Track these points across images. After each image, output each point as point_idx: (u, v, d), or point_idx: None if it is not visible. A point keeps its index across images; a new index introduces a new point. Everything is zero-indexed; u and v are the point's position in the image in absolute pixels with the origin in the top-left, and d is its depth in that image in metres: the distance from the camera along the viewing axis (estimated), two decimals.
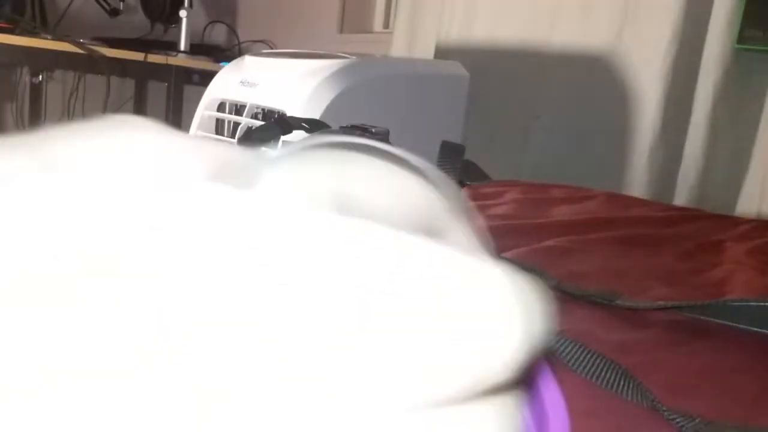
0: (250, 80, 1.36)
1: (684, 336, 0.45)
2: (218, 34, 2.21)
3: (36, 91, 1.85)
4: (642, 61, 1.33)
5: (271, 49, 1.83)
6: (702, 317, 0.47)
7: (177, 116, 2.02)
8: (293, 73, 1.34)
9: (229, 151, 0.16)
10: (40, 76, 1.83)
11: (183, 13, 1.92)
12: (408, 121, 1.22)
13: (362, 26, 2.08)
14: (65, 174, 0.12)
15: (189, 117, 1.46)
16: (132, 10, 2.01)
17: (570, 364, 0.38)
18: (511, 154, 1.51)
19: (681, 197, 1.27)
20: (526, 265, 0.53)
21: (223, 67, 1.43)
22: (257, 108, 1.31)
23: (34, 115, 1.88)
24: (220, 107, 1.35)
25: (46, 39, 1.70)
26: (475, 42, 1.57)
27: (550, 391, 0.19)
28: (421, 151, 0.26)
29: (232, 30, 2.18)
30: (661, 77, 1.29)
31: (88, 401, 0.11)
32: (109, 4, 1.98)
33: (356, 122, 0.63)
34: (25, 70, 1.89)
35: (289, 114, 1.21)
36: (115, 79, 1.79)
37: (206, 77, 1.38)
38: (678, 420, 0.33)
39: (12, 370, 0.11)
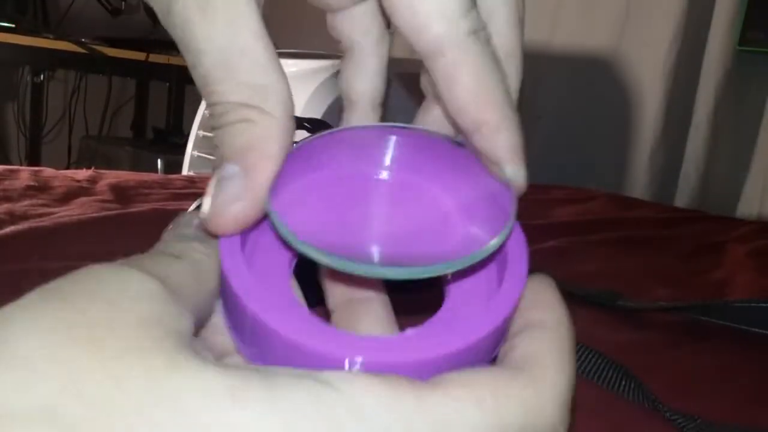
0: None
1: (685, 336, 0.45)
2: None
3: (37, 91, 1.85)
4: (643, 62, 1.33)
5: None
6: (702, 318, 0.47)
7: (178, 116, 2.02)
8: (295, 73, 1.34)
9: None
10: (42, 76, 1.83)
11: None
12: (410, 121, 1.22)
13: None
14: None
15: (190, 117, 1.46)
16: (134, 10, 2.01)
17: None
18: None
19: (682, 198, 1.27)
20: None
21: None
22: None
23: (35, 114, 1.88)
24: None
25: (48, 38, 1.70)
26: None
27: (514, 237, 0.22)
28: None
29: None
30: (662, 78, 1.29)
31: None
32: (110, 4, 1.98)
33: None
34: (27, 69, 1.89)
35: None
36: (116, 79, 1.79)
37: None
38: (679, 420, 0.33)
39: None
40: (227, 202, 0.19)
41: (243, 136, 0.20)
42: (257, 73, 0.20)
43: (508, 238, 0.21)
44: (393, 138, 0.25)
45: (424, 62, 0.22)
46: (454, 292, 0.23)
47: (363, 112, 0.27)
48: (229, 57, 0.20)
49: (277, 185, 0.20)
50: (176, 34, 0.20)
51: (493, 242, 0.20)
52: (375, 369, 0.17)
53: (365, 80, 0.27)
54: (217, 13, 0.20)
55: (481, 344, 0.19)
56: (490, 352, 0.20)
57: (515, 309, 0.20)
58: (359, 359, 0.17)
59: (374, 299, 0.24)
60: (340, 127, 0.24)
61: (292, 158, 0.21)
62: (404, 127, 0.24)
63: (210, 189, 0.20)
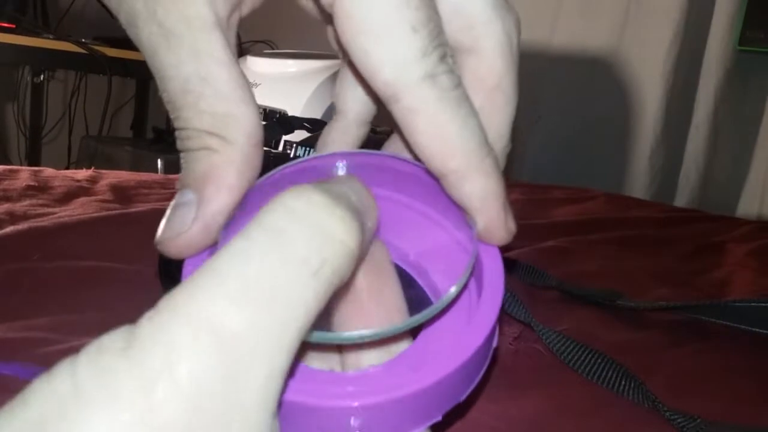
0: (251, 80, 1.36)
1: (685, 336, 0.45)
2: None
3: (37, 91, 1.85)
4: (643, 62, 1.33)
5: (273, 49, 1.83)
6: (702, 318, 0.47)
7: None
8: (295, 73, 1.34)
9: None
10: (42, 76, 1.83)
11: None
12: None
13: None
14: None
15: None
16: None
17: (570, 363, 0.38)
18: (511, 155, 1.51)
19: (682, 198, 1.27)
20: (527, 265, 0.53)
21: None
22: (258, 108, 1.31)
23: (35, 114, 1.88)
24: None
25: (48, 38, 1.70)
26: None
27: (491, 258, 0.22)
28: None
29: None
30: (662, 78, 1.29)
31: None
32: None
33: None
34: (27, 69, 1.89)
35: (290, 114, 1.21)
36: (116, 79, 1.79)
37: None
38: (679, 420, 0.33)
39: None
40: (178, 228, 0.19)
41: (202, 164, 0.20)
42: (219, 102, 0.20)
43: (466, 286, 0.21)
44: (354, 166, 0.24)
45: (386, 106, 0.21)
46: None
47: (346, 126, 0.26)
48: (191, 84, 0.19)
49: (239, 218, 0.20)
50: (146, 58, 0.20)
51: (451, 292, 0.20)
52: (371, 410, 0.18)
53: (355, 96, 0.26)
54: (182, 41, 0.19)
55: (460, 370, 0.19)
56: (478, 370, 0.20)
57: (495, 328, 0.20)
58: (355, 404, 0.18)
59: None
60: (305, 157, 0.23)
61: (259, 189, 0.21)
62: (372, 155, 0.24)
63: (167, 212, 0.20)
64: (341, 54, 0.26)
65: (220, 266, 0.15)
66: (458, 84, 0.20)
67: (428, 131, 0.20)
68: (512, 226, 0.22)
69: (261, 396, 0.14)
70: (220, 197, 0.19)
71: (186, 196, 0.20)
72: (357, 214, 0.17)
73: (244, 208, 0.21)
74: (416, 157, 0.22)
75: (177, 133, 0.20)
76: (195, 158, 0.20)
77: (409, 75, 0.20)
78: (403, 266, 0.24)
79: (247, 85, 0.20)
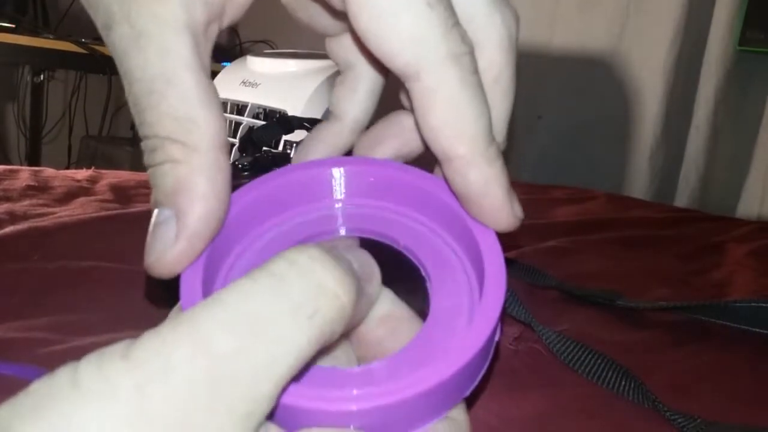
0: (251, 80, 1.36)
1: (685, 336, 0.45)
2: (219, 34, 2.20)
3: (37, 91, 1.85)
4: (643, 62, 1.33)
5: (273, 49, 1.83)
6: (702, 318, 0.47)
7: None
8: (295, 73, 1.34)
9: None
10: (42, 76, 1.83)
11: None
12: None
13: None
14: None
15: None
16: None
17: (570, 363, 0.38)
18: (512, 155, 1.51)
19: (682, 198, 1.27)
20: (527, 265, 0.53)
21: (224, 67, 1.43)
22: (259, 108, 1.31)
23: (35, 114, 1.87)
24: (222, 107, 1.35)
25: (48, 38, 1.70)
26: None
27: (492, 253, 0.21)
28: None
29: (234, 30, 2.18)
30: (662, 78, 1.29)
31: None
32: None
33: None
34: (27, 69, 1.89)
35: (290, 114, 1.21)
36: (116, 79, 1.79)
37: None
38: (679, 420, 0.33)
39: None
40: (164, 247, 0.19)
41: (169, 179, 0.19)
42: (182, 104, 0.19)
43: (467, 282, 0.22)
44: (344, 171, 0.24)
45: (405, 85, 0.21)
46: (436, 308, 0.22)
47: (340, 129, 0.27)
48: (156, 85, 0.19)
49: (239, 231, 0.21)
50: (116, 62, 0.20)
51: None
52: (369, 413, 0.18)
53: (353, 103, 0.26)
54: (151, 40, 0.19)
55: (463, 369, 0.19)
56: (481, 367, 0.20)
57: (497, 324, 0.20)
58: (354, 407, 0.18)
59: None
60: (302, 163, 0.23)
61: (253, 202, 0.22)
62: (368, 163, 0.24)
63: (148, 234, 0.20)
64: (340, 63, 0.27)
65: (223, 298, 0.16)
66: (477, 68, 0.20)
67: (444, 113, 0.20)
68: (519, 211, 0.22)
69: (244, 413, 0.15)
70: (195, 208, 0.19)
71: (163, 214, 0.20)
72: (355, 277, 0.18)
73: (253, 216, 0.21)
74: (423, 142, 0.21)
75: (142, 144, 0.20)
76: (161, 173, 0.19)
77: (432, 53, 0.19)
78: (396, 247, 0.24)
79: (213, 91, 0.20)
